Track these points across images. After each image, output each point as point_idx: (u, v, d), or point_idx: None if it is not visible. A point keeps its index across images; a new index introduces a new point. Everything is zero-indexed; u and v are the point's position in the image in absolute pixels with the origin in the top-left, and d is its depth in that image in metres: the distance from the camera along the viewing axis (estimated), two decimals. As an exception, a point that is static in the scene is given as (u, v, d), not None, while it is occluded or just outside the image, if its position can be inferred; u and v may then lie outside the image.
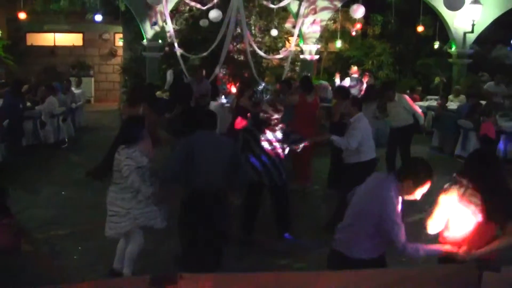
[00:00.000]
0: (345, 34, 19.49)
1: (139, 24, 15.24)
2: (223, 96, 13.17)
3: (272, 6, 16.00)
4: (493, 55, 20.37)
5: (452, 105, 14.29)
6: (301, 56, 16.35)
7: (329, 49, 20.44)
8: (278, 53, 16.39)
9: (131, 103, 8.63)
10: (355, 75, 15.90)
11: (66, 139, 13.39)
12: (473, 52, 17.65)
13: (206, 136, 5.93)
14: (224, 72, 15.34)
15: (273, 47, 16.86)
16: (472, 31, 16.79)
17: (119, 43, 20.78)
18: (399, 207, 4.10)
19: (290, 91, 10.48)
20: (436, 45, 18.41)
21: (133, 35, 16.99)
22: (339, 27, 18.80)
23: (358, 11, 14.14)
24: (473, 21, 16.43)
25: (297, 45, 16.21)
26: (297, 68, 17.04)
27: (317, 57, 16.90)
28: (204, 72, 12.36)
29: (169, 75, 14.75)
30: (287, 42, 17.35)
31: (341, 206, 6.62)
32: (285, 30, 17.77)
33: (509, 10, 17.20)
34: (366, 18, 19.38)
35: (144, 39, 15.32)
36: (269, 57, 16.08)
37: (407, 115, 9.99)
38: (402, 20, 19.39)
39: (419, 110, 10.26)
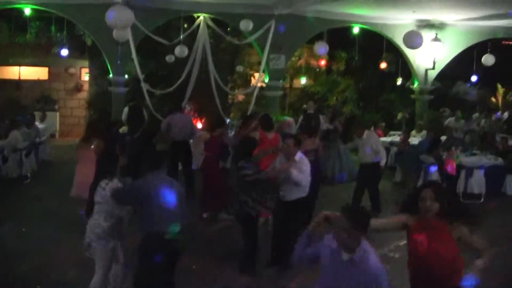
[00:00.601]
0: (310, 70, 20.01)
1: (105, 59, 15.32)
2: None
3: (237, 42, 16.43)
4: (454, 91, 21.09)
5: (415, 140, 14.72)
6: (267, 92, 16.73)
7: (295, 85, 20.93)
8: (244, 89, 16.76)
9: (85, 139, 8.81)
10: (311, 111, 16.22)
11: (29, 174, 13.31)
12: (434, 88, 18.27)
13: (158, 177, 5.76)
14: (189, 108, 15.55)
15: (239, 83, 17.22)
16: (433, 68, 17.46)
17: (85, 77, 20.87)
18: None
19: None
20: (399, 81, 19.04)
21: (99, 70, 17.11)
22: (304, 63, 19.31)
23: (321, 48, 14.62)
24: (434, 58, 17.13)
25: (263, 81, 16.58)
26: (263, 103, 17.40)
27: (281, 93, 17.29)
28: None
29: (125, 112, 14.25)
30: (252, 78, 17.73)
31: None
32: (251, 66, 18.19)
33: (468, 48, 17.96)
34: (331, 55, 19.97)
35: (110, 74, 15.36)
36: (234, 92, 16.40)
37: (375, 153, 10.32)
38: (366, 57, 20.00)
39: (383, 151, 10.62)
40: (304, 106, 16.31)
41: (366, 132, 10.50)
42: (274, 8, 15.23)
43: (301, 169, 7.31)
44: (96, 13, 11.02)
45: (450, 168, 11.81)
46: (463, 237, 4.33)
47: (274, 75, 16.26)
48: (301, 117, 14.72)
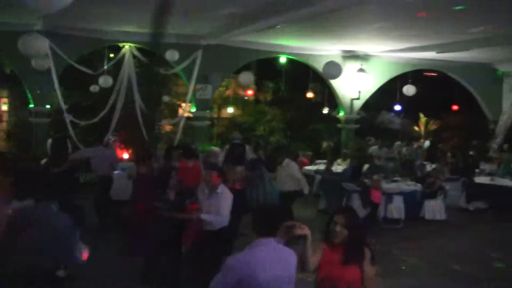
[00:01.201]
0: (237, 101, 20.56)
1: (26, 88, 15.23)
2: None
3: (164, 72, 16.78)
4: (378, 120, 22.14)
5: (340, 168, 15.42)
6: (194, 122, 17.03)
7: (222, 115, 21.42)
8: (171, 119, 17.04)
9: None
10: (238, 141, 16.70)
11: None
12: (360, 117, 19.16)
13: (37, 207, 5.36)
14: (113, 139, 15.62)
15: (166, 113, 17.52)
16: (358, 98, 18.36)
17: (4, 107, 20.60)
18: None
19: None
20: (325, 110, 19.85)
21: (20, 100, 16.96)
22: (231, 93, 19.85)
23: (245, 78, 15.19)
24: (359, 88, 18.06)
25: (190, 111, 16.91)
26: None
27: (209, 123, 17.70)
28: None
29: (49, 144, 14.11)
30: (180, 108, 18.08)
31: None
32: (178, 96, 18.54)
33: (392, 79, 19.01)
34: (259, 85, 20.63)
35: (31, 104, 15.24)
36: (161, 123, 16.67)
37: (292, 181, 10.86)
38: (293, 87, 20.77)
39: (303, 179, 11.16)
40: (230, 136, 16.82)
41: (285, 160, 11.01)
42: (201, 38, 15.69)
43: (221, 203, 7.45)
44: (15, 41, 11.04)
45: (375, 197, 12.49)
46: (365, 273, 4.60)
47: (201, 105, 16.66)
48: (226, 147, 15.17)
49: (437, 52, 16.13)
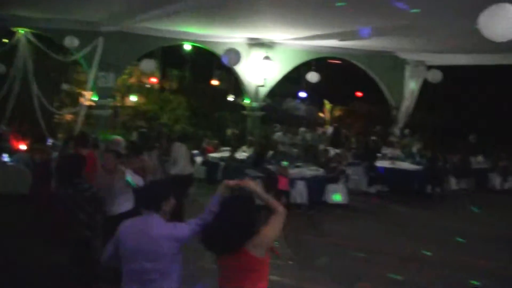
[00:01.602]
0: (142, 89, 20.41)
1: None
2: (6, 155, 13.14)
3: (62, 59, 16.39)
4: (284, 107, 22.64)
5: (245, 155, 15.67)
6: (95, 111, 16.76)
7: (126, 103, 21.19)
8: (72, 108, 16.71)
9: None
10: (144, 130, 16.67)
11: None
12: (265, 104, 19.50)
13: None
14: (6, 129, 15.15)
15: (66, 102, 17.15)
16: (264, 85, 18.68)
17: None
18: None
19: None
20: (231, 98, 20.07)
21: None
22: (135, 81, 19.69)
23: (147, 66, 15.12)
24: (265, 75, 18.36)
25: (91, 99, 16.63)
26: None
27: (111, 111, 17.47)
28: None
29: None
30: (80, 97, 17.73)
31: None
32: (79, 84, 18.18)
33: (297, 66, 19.45)
34: (163, 73, 20.55)
35: None
36: (60, 112, 16.31)
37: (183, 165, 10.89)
38: (198, 74, 20.86)
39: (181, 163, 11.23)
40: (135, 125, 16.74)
41: (175, 144, 11.08)
42: (101, 25, 15.43)
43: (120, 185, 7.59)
44: None
45: (283, 184, 12.81)
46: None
47: (103, 93, 16.38)
48: (134, 135, 15.08)
49: (339, 40, 16.63)
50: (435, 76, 18.71)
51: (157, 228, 4.42)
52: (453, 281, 8.36)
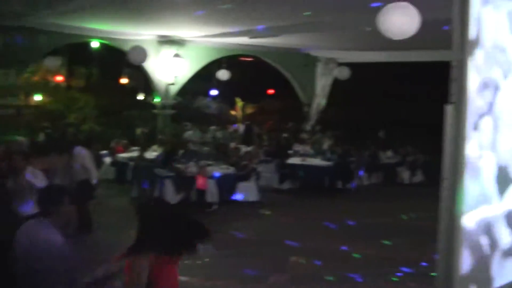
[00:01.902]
0: (47, 87, 19.78)
1: None
2: None
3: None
4: (195, 105, 22.62)
5: (155, 155, 15.50)
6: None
7: (30, 102, 20.49)
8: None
9: None
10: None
11: None
12: (176, 102, 19.36)
13: None
14: None
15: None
16: (174, 83, 18.53)
17: None
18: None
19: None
20: (141, 96, 19.83)
21: None
22: (40, 79, 19.06)
23: (52, 63, 14.72)
24: (175, 73, 18.23)
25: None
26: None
27: (13, 111, 16.88)
28: None
29: None
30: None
31: None
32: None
33: (208, 64, 19.44)
34: (70, 70, 20.03)
35: None
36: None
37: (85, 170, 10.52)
38: (107, 72, 20.48)
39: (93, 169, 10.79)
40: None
41: (77, 148, 10.51)
42: (1, 19, 14.85)
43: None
44: None
45: (200, 183, 12.85)
46: None
47: (3, 92, 15.81)
48: (41, 136, 14.62)
49: (250, 38, 16.76)
50: (343, 73, 19.23)
51: (42, 233, 4.32)
52: (366, 272, 8.56)
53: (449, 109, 3.22)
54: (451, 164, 3.24)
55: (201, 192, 12.91)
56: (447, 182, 3.28)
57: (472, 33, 3.28)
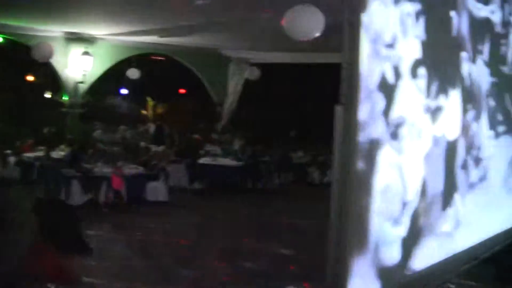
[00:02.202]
0: None
1: None
2: None
3: None
4: (105, 104, 22.40)
5: (62, 154, 15.29)
6: None
7: None
8: None
9: None
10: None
11: None
12: (85, 101, 19.08)
13: None
14: None
15: None
16: (83, 82, 18.26)
17: None
18: None
19: None
20: (49, 94, 19.41)
21: None
22: None
23: None
24: (85, 71, 17.97)
25: None
26: None
27: None
28: None
29: None
30: None
31: None
32: None
33: (120, 62, 19.28)
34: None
35: None
36: None
37: None
38: (11, 68, 19.89)
39: None
40: None
41: None
42: None
43: None
44: None
45: (116, 184, 12.83)
46: None
47: None
48: None
49: (160, 37, 16.80)
50: (253, 73, 19.58)
51: None
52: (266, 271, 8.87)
53: (339, 110, 3.24)
54: (341, 164, 3.29)
55: (117, 193, 12.92)
56: (337, 182, 3.33)
57: (363, 33, 3.31)
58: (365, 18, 3.26)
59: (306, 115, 23.38)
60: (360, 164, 3.33)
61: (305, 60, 19.47)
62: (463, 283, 6.48)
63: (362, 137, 3.31)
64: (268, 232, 11.34)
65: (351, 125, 3.23)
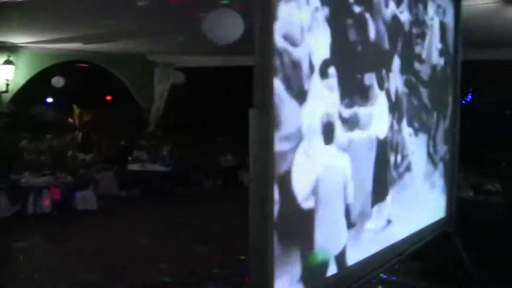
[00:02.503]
0: None
1: None
2: None
3: None
4: (31, 113, 22.06)
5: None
6: None
7: None
8: None
9: None
10: None
11: None
12: (9, 111, 18.74)
13: None
14: None
15: None
16: (7, 91, 17.95)
17: None
18: None
19: None
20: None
21: None
22: None
23: None
24: (7, 81, 17.68)
25: None
26: None
27: None
28: None
29: None
30: None
31: None
32: None
33: (42, 71, 19.02)
34: None
35: None
36: None
37: None
38: None
39: None
40: None
41: None
42: None
43: None
44: None
45: (57, 195, 12.82)
46: None
47: None
48: None
49: (84, 43, 16.74)
50: (178, 78, 19.77)
51: None
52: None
53: (252, 114, 3.25)
54: (257, 167, 3.30)
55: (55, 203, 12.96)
56: (253, 184, 3.30)
57: (276, 36, 3.29)
58: (276, 22, 3.27)
59: (234, 119, 23.65)
60: (278, 166, 3.37)
61: (232, 63, 19.71)
62: (388, 279, 6.90)
63: (278, 138, 3.34)
64: (198, 236, 11.60)
65: (266, 128, 3.27)
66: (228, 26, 8.35)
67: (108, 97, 21.95)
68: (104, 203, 14.39)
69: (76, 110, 23.03)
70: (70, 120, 23.06)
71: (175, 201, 15.66)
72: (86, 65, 20.63)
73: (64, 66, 19.26)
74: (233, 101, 24.92)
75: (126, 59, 20.54)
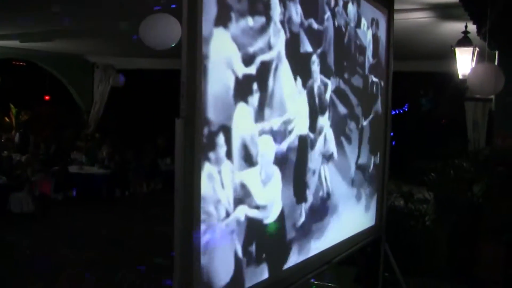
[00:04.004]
0: None
1: None
2: None
3: None
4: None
5: None
6: None
7: None
8: None
9: None
10: None
11: None
12: None
13: None
14: None
15: None
16: None
17: None
18: None
19: None
20: None
21: None
22: None
23: None
24: None
25: None
26: None
27: None
28: None
29: None
30: None
31: None
32: None
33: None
34: None
35: None
36: None
37: None
38: None
39: None
40: None
41: None
42: None
43: None
44: None
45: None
46: None
47: None
48: None
49: (21, 41, 16.44)
50: (117, 80, 19.67)
51: None
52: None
53: (178, 123, 3.31)
54: (182, 176, 3.36)
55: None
56: (178, 193, 3.40)
57: (203, 49, 3.31)
58: (204, 37, 3.29)
59: (174, 122, 23.54)
60: (203, 177, 3.42)
61: (173, 66, 19.67)
62: (322, 284, 7.05)
63: (204, 149, 3.40)
64: (132, 240, 11.55)
65: (192, 137, 3.33)
66: (165, 31, 8.23)
67: (47, 97, 21.51)
68: (39, 205, 14.08)
69: (13, 110, 22.46)
70: (7, 119, 22.47)
71: (111, 205, 15.49)
72: (24, 63, 20.21)
73: (1, 63, 18.81)
74: (175, 104, 24.87)
75: (66, 59, 20.27)
